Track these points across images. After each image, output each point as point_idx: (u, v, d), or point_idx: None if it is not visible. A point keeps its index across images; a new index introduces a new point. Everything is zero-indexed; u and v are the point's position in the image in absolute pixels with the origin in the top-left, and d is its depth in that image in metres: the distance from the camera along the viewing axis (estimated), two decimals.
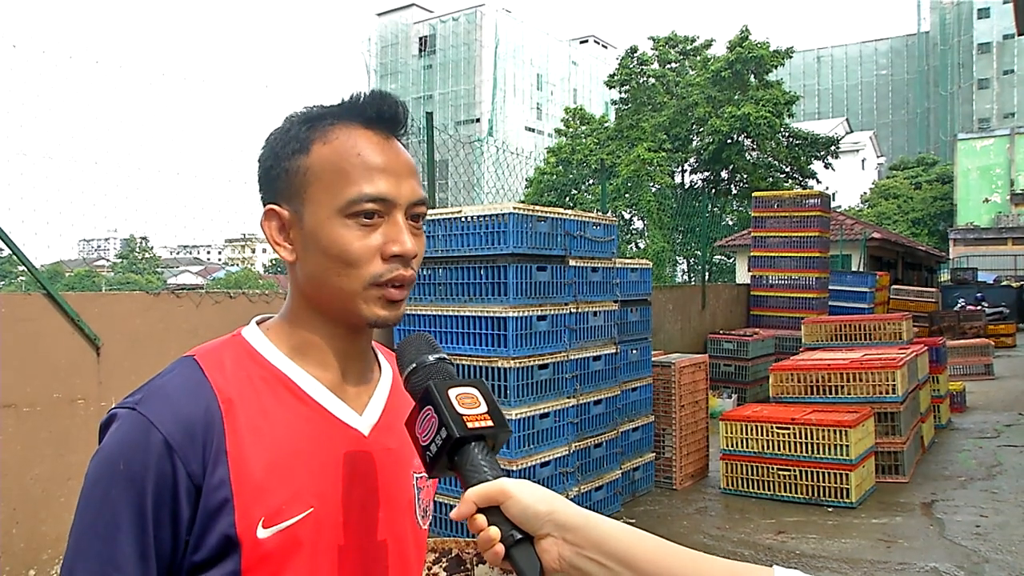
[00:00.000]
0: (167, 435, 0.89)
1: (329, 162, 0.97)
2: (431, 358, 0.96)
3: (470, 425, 0.88)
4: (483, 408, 0.91)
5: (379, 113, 1.00)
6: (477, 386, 0.93)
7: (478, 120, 56.29)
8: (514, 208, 4.98)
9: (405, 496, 1.08)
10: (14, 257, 3.98)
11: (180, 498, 0.89)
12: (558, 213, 5.42)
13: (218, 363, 0.98)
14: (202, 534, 0.90)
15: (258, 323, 1.07)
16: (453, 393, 0.90)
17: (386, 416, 1.07)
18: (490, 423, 0.90)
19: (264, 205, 1.03)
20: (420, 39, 60.99)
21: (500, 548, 0.83)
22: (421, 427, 0.90)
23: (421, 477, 1.10)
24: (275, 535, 0.92)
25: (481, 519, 0.85)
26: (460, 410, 0.88)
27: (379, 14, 63.25)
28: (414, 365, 0.96)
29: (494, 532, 0.84)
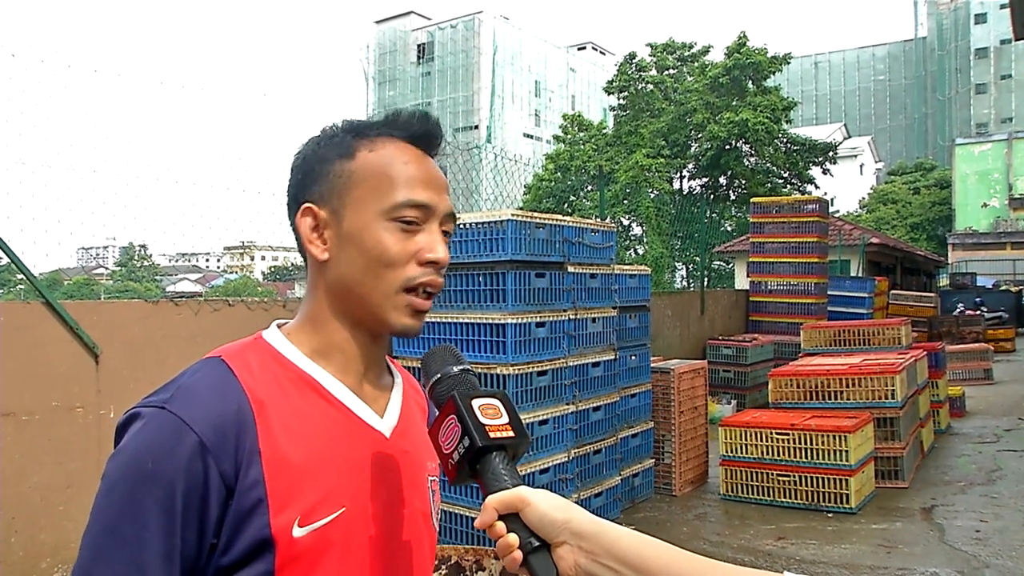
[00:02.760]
0: (201, 434, 0.89)
1: (377, 167, 1.02)
2: (455, 369, 1.00)
3: (492, 435, 0.91)
4: (505, 419, 0.94)
5: (424, 131, 1.07)
6: (500, 397, 0.97)
7: (476, 127, 56.38)
8: (512, 215, 4.99)
9: (422, 498, 1.11)
10: (13, 265, 3.99)
11: (210, 500, 0.89)
12: (556, 220, 5.42)
13: (245, 364, 0.99)
14: (233, 535, 0.90)
15: (278, 326, 1.09)
16: (476, 404, 0.94)
17: (403, 420, 1.10)
18: (511, 433, 0.93)
19: (297, 204, 1.05)
20: (418, 46, 61.12)
21: (518, 554, 0.86)
22: (444, 436, 0.93)
23: (434, 480, 1.14)
24: (309, 535, 0.93)
25: (501, 526, 0.88)
26: (483, 420, 0.92)
27: (377, 21, 63.39)
28: (439, 376, 1.00)
29: (513, 539, 0.87)
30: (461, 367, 1.01)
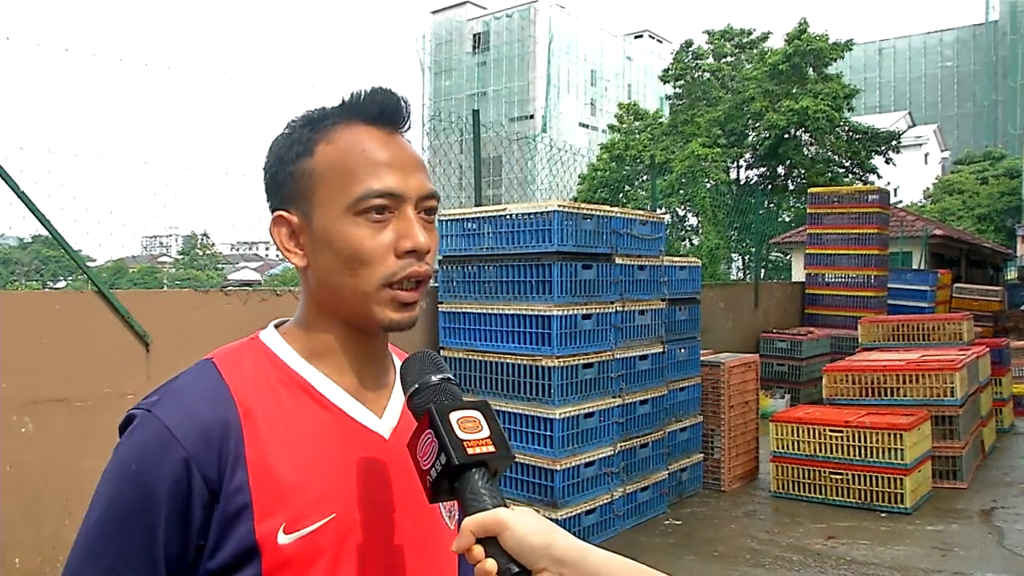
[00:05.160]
0: (181, 438, 0.89)
1: (334, 161, 0.97)
2: (434, 378, 0.94)
3: (470, 451, 0.86)
4: (485, 432, 0.88)
5: (381, 109, 1.00)
6: (481, 408, 0.91)
7: (532, 116, 56.24)
8: (559, 206, 4.95)
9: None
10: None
11: (193, 502, 0.89)
12: (604, 211, 5.37)
13: (237, 366, 0.98)
14: (219, 540, 0.90)
15: (276, 326, 1.07)
16: (455, 417, 0.88)
17: (404, 419, 1.05)
18: (492, 448, 0.87)
19: (272, 213, 1.02)
20: (474, 36, 61.14)
21: None
22: (422, 451, 0.88)
23: None
24: (296, 541, 0.91)
25: (479, 551, 0.83)
26: (461, 435, 0.86)
27: (433, 12, 63.57)
28: (416, 386, 0.94)
29: (491, 565, 0.82)
30: (441, 375, 0.94)
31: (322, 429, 0.97)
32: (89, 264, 4.56)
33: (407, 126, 1.03)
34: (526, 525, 0.82)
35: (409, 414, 1.04)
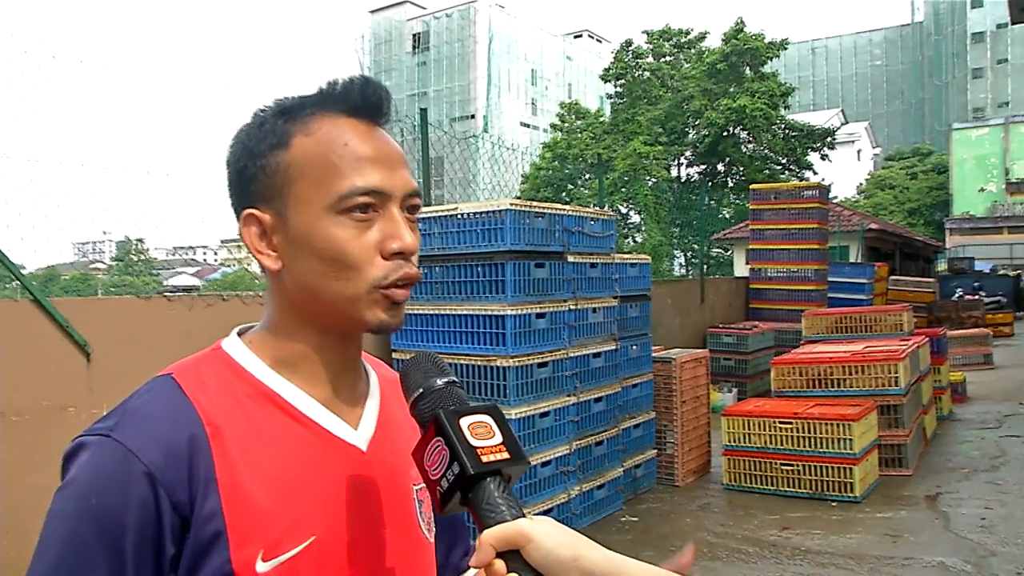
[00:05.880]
0: (148, 463, 0.81)
1: (314, 155, 0.88)
2: (440, 382, 0.87)
3: (484, 459, 0.79)
4: (498, 439, 0.82)
5: (364, 100, 0.92)
6: (491, 413, 0.84)
7: (473, 116, 56.21)
8: (511, 204, 4.91)
9: (408, 511, 1.00)
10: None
11: (164, 533, 0.81)
12: (556, 209, 5.35)
13: (199, 381, 0.89)
14: (192, 572, 0.82)
15: (239, 334, 0.98)
16: (465, 422, 0.82)
17: (380, 428, 0.99)
18: (506, 455, 0.81)
19: (239, 211, 0.93)
20: (413, 36, 60.87)
21: None
22: (430, 460, 0.81)
23: (420, 488, 1.02)
24: (276, 568, 0.84)
25: (500, 566, 0.76)
26: (474, 442, 0.80)
27: (372, 11, 63.10)
28: (421, 390, 0.87)
29: None
30: (446, 379, 0.87)
31: (296, 444, 0.90)
32: (22, 271, 4.36)
33: (388, 119, 0.96)
34: (552, 537, 0.76)
35: (385, 424, 0.99)
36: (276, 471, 0.87)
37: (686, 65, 27.51)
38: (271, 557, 0.84)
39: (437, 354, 0.92)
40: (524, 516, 0.79)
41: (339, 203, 0.87)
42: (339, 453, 0.93)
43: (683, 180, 26.71)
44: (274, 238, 0.91)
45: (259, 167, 0.91)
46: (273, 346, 0.94)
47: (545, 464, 5.08)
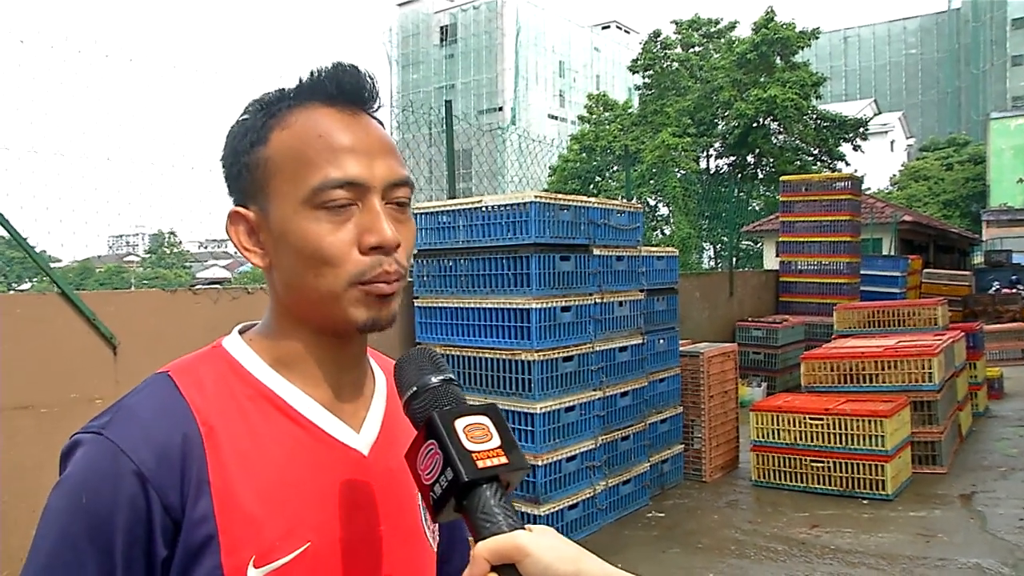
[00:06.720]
0: (139, 463, 0.79)
1: (289, 148, 0.86)
2: (435, 379, 0.82)
3: (480, 464, 0.75)
4: (495, 442, 0.77)
5: (339, 87, 0.88)
6: (488, 413, 0.79)
7: (501, 109, 56.11)
8: (536, 197, 4.87)
9: (411, 518, 0.96)
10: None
11: (155, 534, 0.79)
12: (581, 201, 5.29)
13: (196, 380, 0.87)
14: (184, 574, 0.80)
15: (240, 332, 0.95)
16: (460, 424, 0.77)
17: (385, 431, 0.95)
18: (504, 459, 0.76)
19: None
20: (441, 29, 60.85)
21: None
22: (423, 463, 0.77)
23: None
24: (267, 575, 0.82)
25: None
26: (469, 446, 0.75)
27: (399, 4, 63.17)
28: (415, 388, 0.82)
29: None
30: (442, 376, 0.82)
31: (294, 447, 0.87)
32: (54, 265, 4.39)
33: (375, 105, 0.92)
34: (550, 550, 0.72)
35: (391, 427, 0.96)
36: (272, 475, 0.84)
37: (715, 55, 27.19)
38: (263, 563, 0.82)
39: (434, 349, 0.88)
40: (522, 527, 0.74)
41: (314, 197, 0.85)
42: (339, 457, 0.90)
43: (712, 172, 26.43)
44: (260, 235, 0.90)
45: (243, 164, 0.89)
46: (272, 345, 0.92)
47: (571, 459, 5.04)
